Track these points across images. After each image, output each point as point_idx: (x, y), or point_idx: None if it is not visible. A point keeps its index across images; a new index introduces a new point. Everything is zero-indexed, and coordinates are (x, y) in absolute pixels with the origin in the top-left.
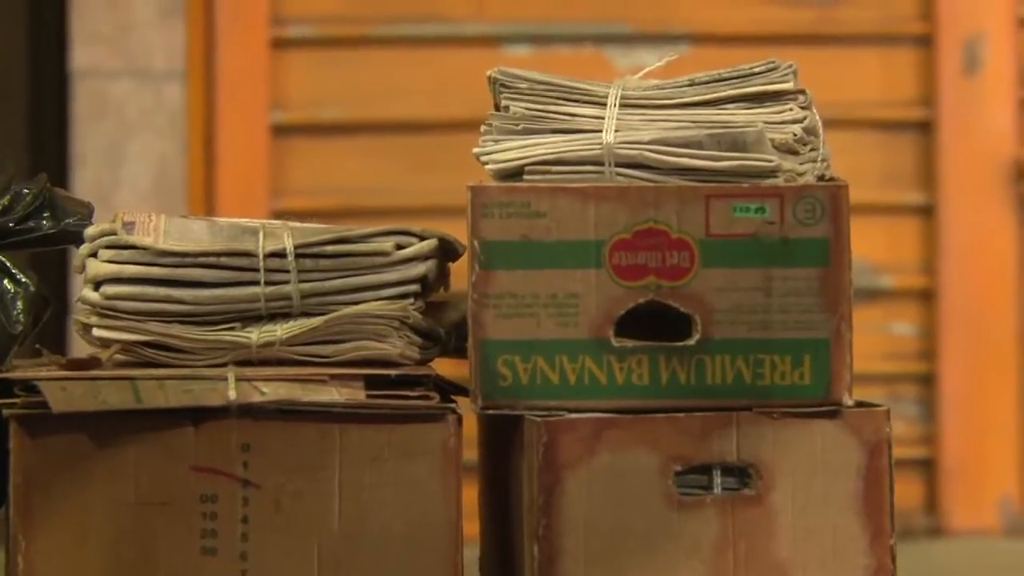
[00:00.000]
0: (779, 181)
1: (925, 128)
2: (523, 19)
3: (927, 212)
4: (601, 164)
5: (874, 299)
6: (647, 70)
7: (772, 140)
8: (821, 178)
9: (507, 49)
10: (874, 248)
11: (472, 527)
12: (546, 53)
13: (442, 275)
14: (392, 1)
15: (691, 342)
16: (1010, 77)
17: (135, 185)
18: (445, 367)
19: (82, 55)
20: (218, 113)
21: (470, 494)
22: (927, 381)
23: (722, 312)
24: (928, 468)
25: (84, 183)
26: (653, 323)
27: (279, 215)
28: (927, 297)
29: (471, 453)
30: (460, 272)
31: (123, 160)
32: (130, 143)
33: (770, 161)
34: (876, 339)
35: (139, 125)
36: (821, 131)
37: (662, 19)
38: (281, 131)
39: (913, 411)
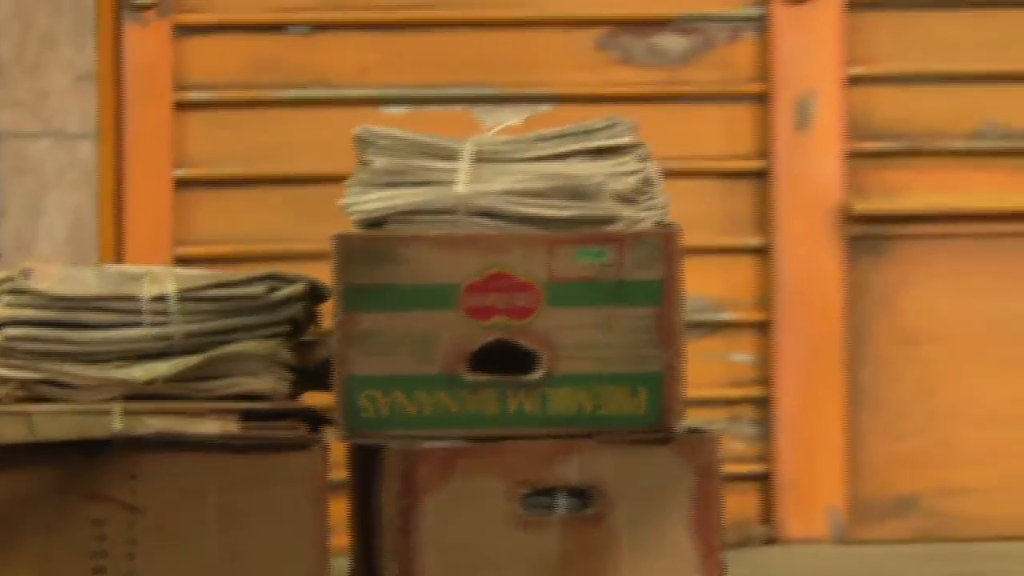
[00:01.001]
0: (618, 228)
1: (762, 177)
2: (400, 83)
3: (763, 252)
4: (456, 213)
5: (716, 331)
6: (501, 127)
7: (612, 190)
8: (659, 224)
9: (385, 110)
10: (716, 285)
11: (345, 541)
12: (420, 113)
13: (312, 316)
14: (283, 68)
15: (536, 376)
16: (837, 132)
17: (52, 235)
18: (324, 398)
19: (5, 118)
20: (127, 169)
21: (344, 509)
22: (764, 404)
23: (565, 348)
24: (765, 482)
25: (7, 234)
26: (505, 357)
27: (181, 261)
28: (763, 329)
29: (344, 473)
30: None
31: (41, 212)
32: (48, 197)
33: (609, 210)
34: (718, 367)
35: (56, 181)
36: (659, 181)
37: (526, 81)
38: (183, 185)
39: (751, 431)
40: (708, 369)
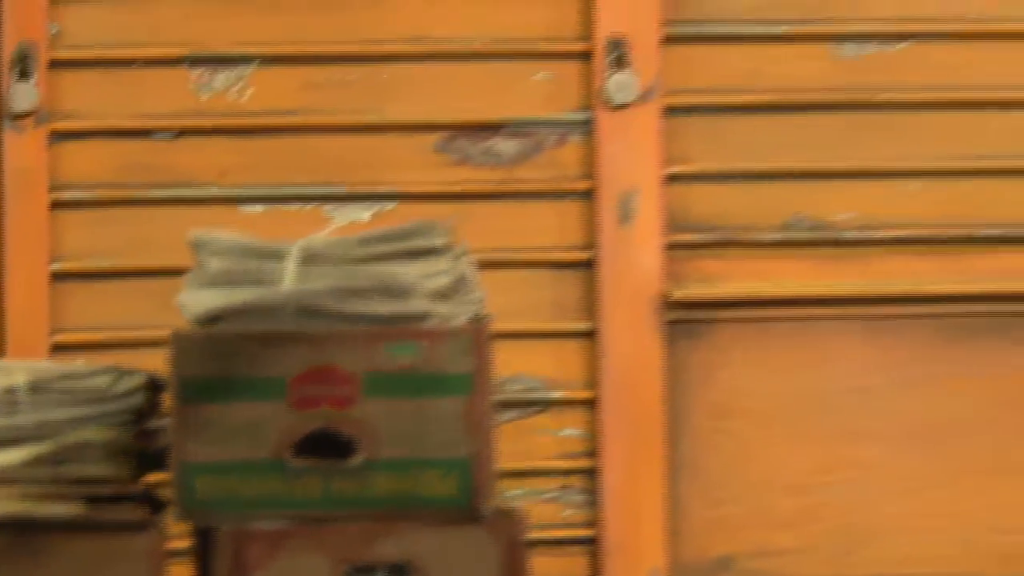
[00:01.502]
0: (431, 324)
1: (588, 267)
2: (257, 183)
3: (590, 336)
4: (283, 311)
5: (548, 408)
6: (328, 230)
7: (426, 289)
8: (474, 318)
9: (244, 208)
10: (547, 366)
11: None
12: (276, 211)
13: (154, 405)
14: (150, 170)
15: (356, 461)
16: (657, 225)
17: None
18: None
19: None
20: (6, 264)
21: None
22: (592, 474)
23: (383, 435)
24: (593, 546)
25: None
26: (329, 443)
27: (58, 348)
28: (591, 406)
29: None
30: None
31: None
32: None
33: (423, 307)
34: (550, 441)
35: None
36: (474, 278)
37: (372, 181)
38: (59, 278)
39: (580, 499)
40: (541, 443)
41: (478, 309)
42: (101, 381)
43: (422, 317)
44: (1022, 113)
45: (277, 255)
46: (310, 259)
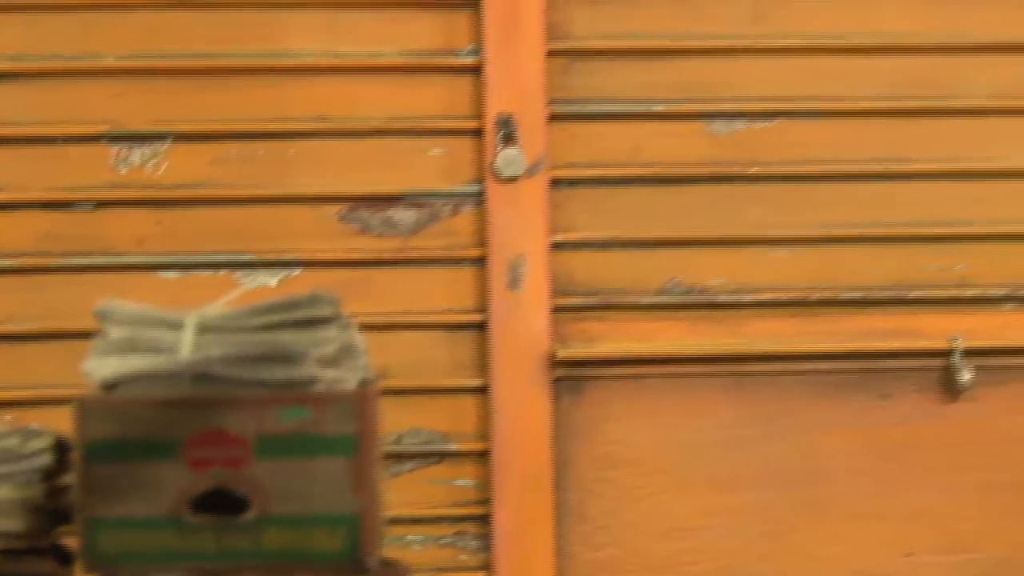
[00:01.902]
0: (319, 389)
1: (481, 329)
2: (172, 251)
3: (483, 392)
4: (181, 377)
5: (443, 460)
6: (226, 299)
7: (314, 356)
8: (362, 381)
9: (160, 274)
10: (443, 421)
11: None
12: (190, 277)
13: (63, 464)
14: (71, 239)
15: (249, 518)
16: (544, 290)
17: None
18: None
19: None
20: None
21: None
22: (485, 521)
23: (274, 493)
24: None
25: None
26: (223, 500)
27: None
28: (483, 457)
29: None
30: None
31: None
32: None
33: (311, 373)
34: (445, 490)
35: None
36: (360, 345)
37: (279, 249)
38: None
39: (474, 544)
40: (437, 492)
41: (365, 374)
42: (10, 442)
43: (310, 382)
44: (879, 184)
45: (175, 325)
46: (206, 329)
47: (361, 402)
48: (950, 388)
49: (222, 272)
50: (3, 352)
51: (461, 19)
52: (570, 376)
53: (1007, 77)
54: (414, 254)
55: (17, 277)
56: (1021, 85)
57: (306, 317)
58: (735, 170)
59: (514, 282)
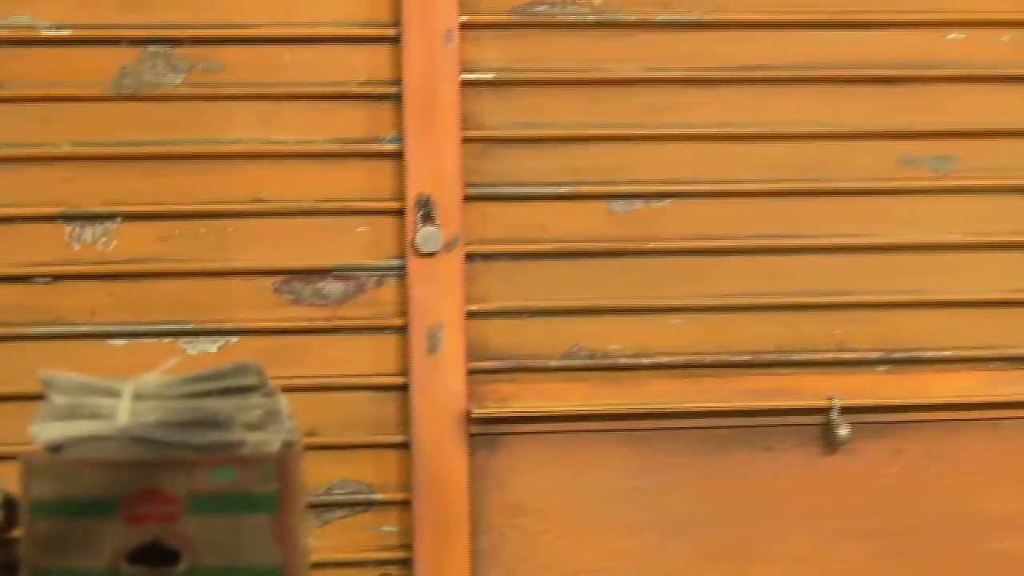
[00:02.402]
0: (245, 451)
1: (403, 390)
2: (122, 321)
3: (405, 447)
4: (118, 441)
5: (369, 508)
6: (161, 369)
7: (241, 421)
8: (287, 443)
9: (110, 342)
10: (369, 473)
11: None
12: (138, 344)
13: (11, 519)
14: (29, 310)
15: (181, 569)
16: (461, 354)
17: None
18: None
19: None
20: None
21: None
22: (407, 564)
23: (203, 547)
24: None
25: None
26: (159, 553)
27: None
28: (405, 506)
29: None
30: None
31: None
32: None
33: (238, 437)
34: (371, 536)
35: None
36: (284, 410)
37: (220, 319)
38: None
39: None
40: (363, 538)
41: (288, 436)
42: None
43: (237, 445)
44: (764, 258)
45: (113, 392)
46: (141, 396)
47: (283, 463)
48: (829, 442)
49: (167, 340)
50: None
51: (384, 110)
52: (484, 432)
53: (879, 161)
54: (342, 323)
55: None
56: (891, 168)
57: (233, 385)
58: (633, 245)
59: (433, 347)
